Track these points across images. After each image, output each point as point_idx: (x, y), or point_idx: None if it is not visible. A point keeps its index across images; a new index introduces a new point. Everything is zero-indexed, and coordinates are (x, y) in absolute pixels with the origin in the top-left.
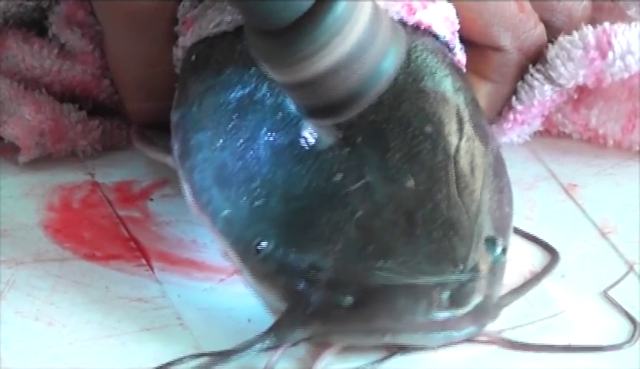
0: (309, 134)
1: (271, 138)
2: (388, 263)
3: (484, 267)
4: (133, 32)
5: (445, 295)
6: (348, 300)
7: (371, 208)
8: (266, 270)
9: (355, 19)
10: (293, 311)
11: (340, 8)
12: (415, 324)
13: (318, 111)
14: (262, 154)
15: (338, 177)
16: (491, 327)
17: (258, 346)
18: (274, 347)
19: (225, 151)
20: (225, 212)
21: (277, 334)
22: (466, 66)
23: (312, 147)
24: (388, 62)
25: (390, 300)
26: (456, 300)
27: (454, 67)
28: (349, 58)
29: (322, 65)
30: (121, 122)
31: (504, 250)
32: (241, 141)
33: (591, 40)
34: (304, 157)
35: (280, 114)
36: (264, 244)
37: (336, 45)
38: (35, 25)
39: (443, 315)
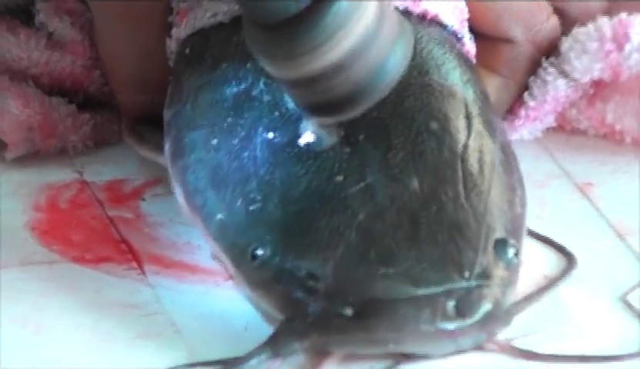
0: (309, 133)
1: (269, 137)
2: (391, 270)
3: (493, 272)
4: (126, 21)
5: (451, 304)
6: (349, 310)
7: (373, 211)
8: (262, 277)
9: (359, 13)
10: (291, 322)
11: (344, 1)
12: (420, 334)
13: (319, 110)
14: (259, 154)
15: (339, 178)
16: (501, 334)
17: (254, 360)
18: (272, 359)
19: (220, 151)
20: (220, 215)
21: (274, 346)
22: (475, 58)
23: (312, 146)
24: (395, 59)
25: (392, 310)
26: (463, 309)
27: (462, 58)
28: (353, 54)
29: (325, 61)
30: (113, 116)
31: (516, 253)
32: (237, 140)
33: (607, 32)
34: (303, 157)
35: (278, 111)
36: (260, 250)
37: (340, 40)
38: (20, 13)
39: (449, 325)
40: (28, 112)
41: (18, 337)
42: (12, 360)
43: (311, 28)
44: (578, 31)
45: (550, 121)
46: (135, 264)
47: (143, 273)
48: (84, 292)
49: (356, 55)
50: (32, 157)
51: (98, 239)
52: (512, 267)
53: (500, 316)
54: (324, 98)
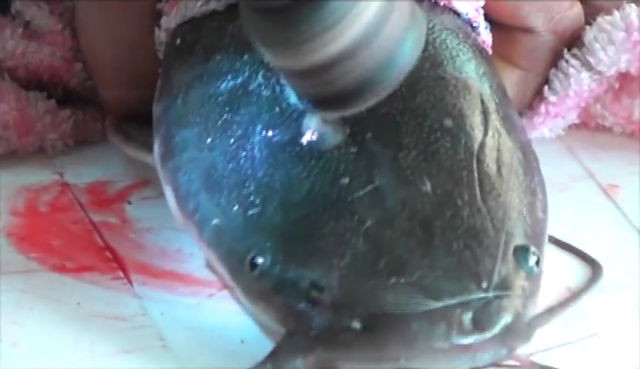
0: (311, 131)
1: (268, 136)
2: (402, 280)
3: (513, 282)
4: (111, 10)
5: (467, 317)
6: (356, 323)
7: (382, 216)
8: (261, 288)
9: None
10: (293, 336)
11: None
12: (433, 350)
13: (323, 102)
14: (257, 154)
15: (344, 180)
16: (521, 349)
17: None
18: None
19: (214, 151)
20: (215, 221)
21: (275, 363)
22: (491, 49)
23: (315, 146)
24: (406, 49)
25: (403, 324)
26: (480, 322)
27: (478, 49)
28: (361, 42)
29: (331, 49)
30: (95, 112)
31: (538, 262)
32: (232, 138)
33: (635, 20)
34: (305, 157)
35: (278, 107)
36: (259, 258)
37: (347, 26)
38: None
39: (465, 340)
40: (3, 108)
41: None
42: None
43: (317, 12)
44: (603, 20)
45: (572, 117)
46: (120, 274)
47: (129, 283)
48: (64, 304)
49: (363, 44)
50: (8, 157)
51: (80, 246)
52: (533, 277)
53: (520, 329)
54: (327, 89)
